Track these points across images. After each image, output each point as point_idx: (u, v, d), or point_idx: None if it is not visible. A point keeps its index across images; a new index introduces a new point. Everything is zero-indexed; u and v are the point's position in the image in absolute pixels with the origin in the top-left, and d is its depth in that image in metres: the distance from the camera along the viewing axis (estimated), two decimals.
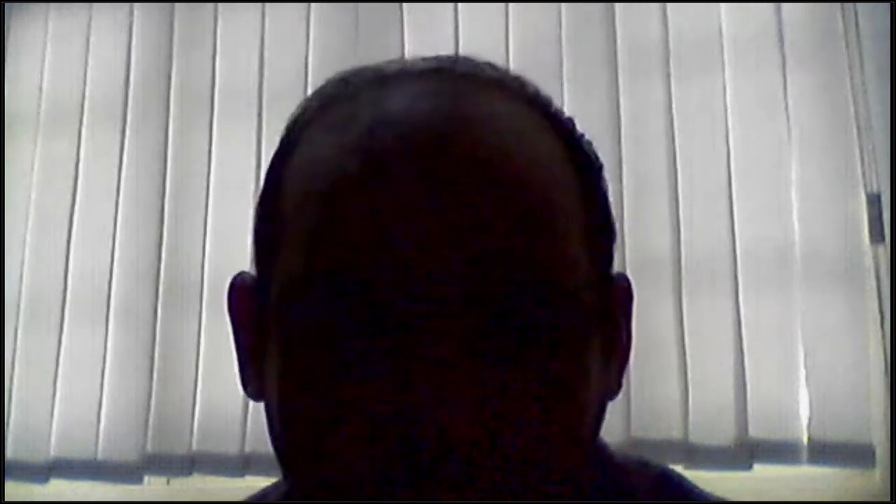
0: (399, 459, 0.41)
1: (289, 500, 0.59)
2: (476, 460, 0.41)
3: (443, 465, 0.40)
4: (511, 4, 1.67)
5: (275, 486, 0.63)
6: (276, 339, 0.46)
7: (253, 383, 0.51)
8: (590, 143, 0.51)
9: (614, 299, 0.51)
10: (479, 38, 1.66)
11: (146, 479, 1.70)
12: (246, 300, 0.52)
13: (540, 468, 0.43)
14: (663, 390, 1.47)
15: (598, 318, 0.46)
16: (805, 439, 1.41)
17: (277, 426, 0.46)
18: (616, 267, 0.53)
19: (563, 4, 1.64)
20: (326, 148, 0.46)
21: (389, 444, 0.41)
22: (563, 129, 0.50)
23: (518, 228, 0.43)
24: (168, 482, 1.71)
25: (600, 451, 0.57)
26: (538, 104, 0.50)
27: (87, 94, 1.88)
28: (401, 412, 0.41)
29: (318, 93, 0.52)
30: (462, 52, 1.69)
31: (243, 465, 1.62)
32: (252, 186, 1.73)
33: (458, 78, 0.49)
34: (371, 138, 0.44)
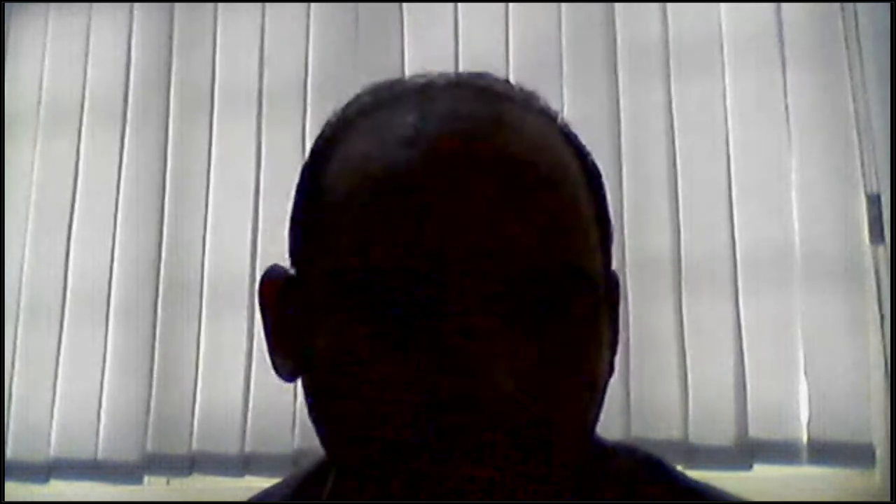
0: (440, 419, 0.45)
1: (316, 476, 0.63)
2: (510, 415, 0.45)
3: (477, 423, 0.45)
4: (511, 4, 1.67)
5: (305, 468, 0.66)
6: (326, 320, 0.50)
7: (287, 364, 0.56)
8: (590, 154, 0.56)
9: (612, 293, 0.57)
10: (479, 38, 1.66)
11: (146, 479, 1.70)
12: (280, 289, 0.56)
13: (563, 427, 0.48)
14: (663, 390, 1.47)
15: (606, 304, 0.53)
16: (805, 439, 1.41)
17: (323, 399, 0.51)
18: (616, 267, 0.57)
19: (563, 4, 1.64)
20: (374, 147, 0.51)
21: (432, 409, 0.45)
22: (571, 140, 0.55)
23: (550, 222, 0.48)
24: (168, 482, 1.71)
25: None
26: (550, 117, 0.56)
27: (87, 93, 1.88)
28: (443, 380, 0.45)
29: (354, 102, 0.56)
30: (462, 52, 1.71)
31: (243, 465, 1.62)
32: (252, 186, 1.73)
33: (481, 90, 0.54)
34: (420, 138, 0.49)
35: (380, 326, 0.47)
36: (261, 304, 0.58)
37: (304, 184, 0.55)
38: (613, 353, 0.56)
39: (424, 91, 0.53)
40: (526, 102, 0.55)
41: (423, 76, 0.56)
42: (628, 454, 0.61)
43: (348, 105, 0.56)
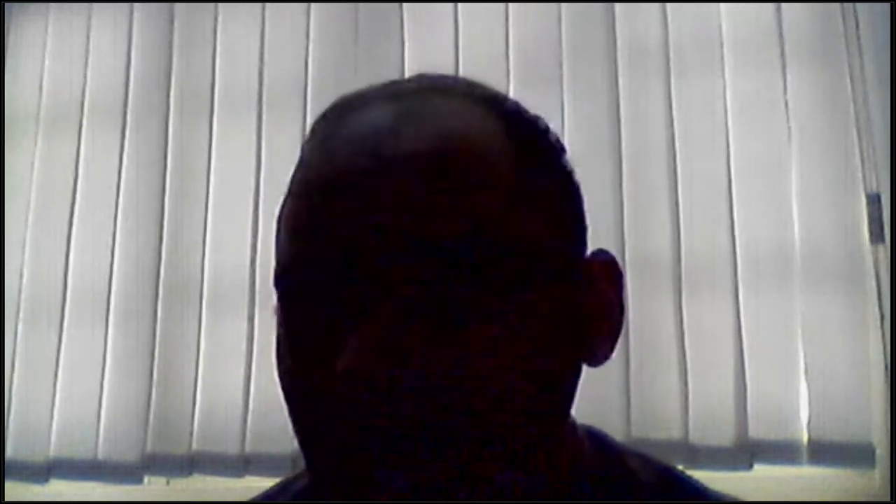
0: (336, 420, 0.47)
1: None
2: (399, 406, 0.46)
3: (364, 412, 0.46)
4: (511, 4, 1.67)
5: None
6: (278, 321, 0.54)
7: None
8: (544, 135, 0.56)
9: (595, 272, 0.56)
10: (479, 38, 1.66)
11: (146, 479, 1.70)
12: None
13: (473, 408, 0.47)
14: (663, 390, 1.47)
15: (543, 281, 0.50)
16: (805, 439, 1.41)
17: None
18: (622, 282, 0.55)
19: (563, 4, 1.64)
20: (306, 164, 0.54)
21: (328, 409, 0.48)
22: (513, 124, 0.54)
23: (452, 201, 0.48)
24: (168, 482, 1.71)
25: (600, 438, 0.60)
26: (482, 100, 0.55)
27: (87, 94, 1.88)
28: (330, 377, 0.47)
29: (321, 116, 0.59)
30: (462, 52, 1.70)
31: (243, 465, 1.62)
32: (252, 186, 1.73)
33: (400, 95, 0.55)
34: (332, 157, 0.52)
35: (297, 324, 0.50)
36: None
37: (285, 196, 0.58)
38: (610, 335, 0.55)
39: (354, 108, 0.55)
40: (460, 93, 0.55)
41: (375, 87, 0.57)
42: (642, 462, 0.60)
43: (319, 117, 0.59)
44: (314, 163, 0.53)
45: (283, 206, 0.54)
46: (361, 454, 0.46)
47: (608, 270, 0.57)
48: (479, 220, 0.48)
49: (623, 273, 0.57)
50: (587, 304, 0.54)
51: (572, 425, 0.59)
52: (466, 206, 0.48)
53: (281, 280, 0.52)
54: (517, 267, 0.49)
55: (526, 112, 0.57)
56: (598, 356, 0.55)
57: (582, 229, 0.56)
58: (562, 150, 0.57)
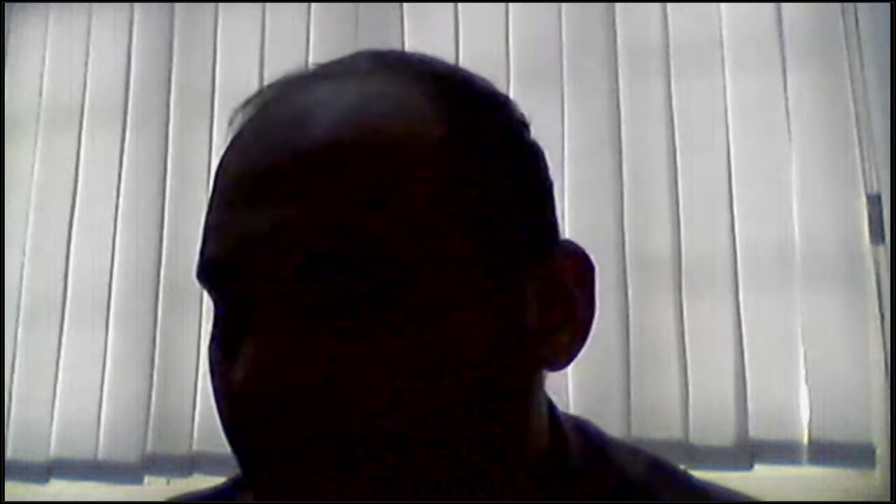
0: (242, 426, 0.46)
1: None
2: (298, 414, 0.44)
3: (266, 419, 0.44)
4: (511, 4, 1.67)
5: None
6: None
7: None
8: (482, 111, 0.51)
9: (557, 269, 0.51)
10: (479, 38, 1.66)
11: (146, 479, 1.70)
12: None
13: (383, 414, 0.44)
14: (663, 390, 1.47)
15: (470, 286, 0.46)
16: (805, 439, 1.41)
17: None
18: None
19: (563, 4, 1.64)
20: (223, 155, 0.52)
21: (233, 415, 0.46)
22: (448, 99, 0.50)
23: (349, 208, 0.45)
24: (168, 482, 1.71)
25: (586, 430, 0.57)
26: (426, 77, 0.51)
27: (87, 94, 1.88)
28: (230, 385, 0.45)
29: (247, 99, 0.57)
30: (462, 52, 1.70)
31: None
32: None
33: (326, 76, 0.52)
34: (240, 146, 0.50)
35: (214, 331, 0.50)
36: None
37: None
38: (574, 336, 0.51)
39: (276, 91, 0.54)
40: (381, 76, 0.51)
41: (302, 70, 0.55)
42: (630, 454, 0.59)
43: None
44: (225, 155, 0.51)
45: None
46: (269, 462, 0.45)
47: (575, 265, 0.52)
48: (382, 226, 0.44)
49: (594, 266, 0.52)
50: (545, 306, 0.50)
51: (557, 419, 0.56)
52: (366, 210, 0.45)
53: (198, 275, 0.52)
54: (429, 284, 0.45)
55: (479, 88, 0.52)
56: (561, 360, 0.51)
57: (545, 219, 0.52)
58: (525, 127, 0.53)
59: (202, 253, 0.50)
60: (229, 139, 0.53)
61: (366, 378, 0.44)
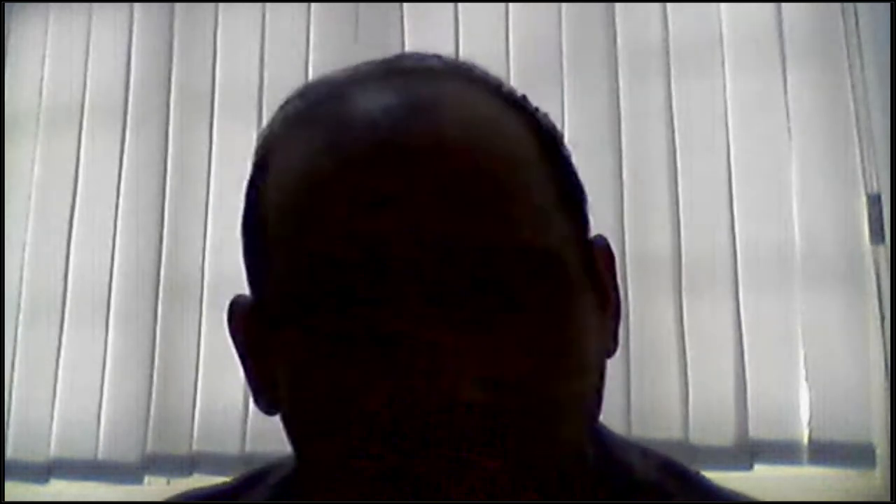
0: (405, 431, 0.43)
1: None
2: (483, 421, 0.43)
3: (450, 429, 0.42)
4: (511, 4, 1.67)
5: (272, 468, 0.63)
6: (283, 345, 0.48)
7: (265, 397, 0.53)
8: (546, 116, 0.53)
9: (598, 259, 0.53)
10: (479, 38, 1.66)
11: (146, 479, 1.70)
12: (246, 320, 0.54)
13: (546, 423, 0.45)
14: (663, 390, 1.47)
15: (585, 275, 0.49)
16: (805, 439, 1.41)
17: (291, 429, 0.49)
18: (616, 267, 0.55)
19: (563, 4, 1.64)
20: (297, 160, 0.49)
21: (396, 418, 0.43)
22: (518, 106, 0.52)
23: (484, 201, 0.45)
24: (168, 482, 1.71)
25: (598, 430, 0.57)
26: (490, 86, 0.52)
27: (87, 94, 1.88)
28: (403, 388, 0.43)
29: (281, 109, 0.55)
30: (462, 52, 1.71)
31: (243, 465, 1.61)
32: None
33: (408, 72, 0.51)
34: (336, 142, 0.47)
35: (326, 337, 0.45)
36: (232, 338, 0.56)
37: (246, 203, 0.54)
38: (615, 326, 0.54)
39: (343, 90, 0.51)
40: (460, 77, 0.52)
41: (350, 69, 0.53)
42: (641, 454, 0.58)
43: (278, 112, 0.55)
44: (314, 155, 0.47)
45: (275, 199, 0.50)
46: (425, 473, 0.43)
47: (605, 256, 0.55)
48: (537, 228, 0.46)
49: (613, 256, 0.56)
50: (598, 294, 0.52)
51: None
52: (525, 209, 0.46)
53: (310, 281, 0.46)
54: (568, 269, 0.47)
55: (526, 98, 0.54)
56: (614, 349, 0.54)
57: (588, 219, 0.54)
58: (560, 137, 0.55)
59: (302, 248, 0.46)
60: (280, 134, 0.52)
61: (519, 377, 0.44)
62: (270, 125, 0.54)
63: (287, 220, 0.48)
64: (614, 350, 0.54)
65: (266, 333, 0.49)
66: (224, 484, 0.66)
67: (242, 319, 0.55)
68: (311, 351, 0.46)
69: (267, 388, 0.52)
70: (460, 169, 0.45)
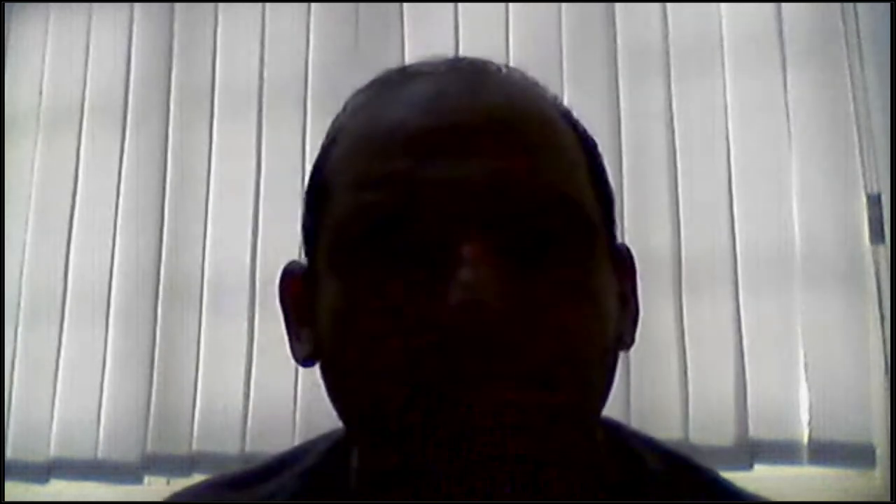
0: (441, 352, 0.46)
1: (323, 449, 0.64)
2: (510, 339, 0.46)
3: (480, 346, 0.45)
4: (511, 4, 1.67)
5: (324, 437, 0.65)
6: (328, 283, 0.52)
7: (304, 349, 0.56)
8: (586, 130, 0.59)
9: (623, 265, 0.58)
10: (479, 38, 1.66)
11: (146, 479, 1.70)
12: (296, 282, 0.58)
13: (567, 352, 0.48)
14: (663, 390, 1.47)
15: (605, 242, 0.54)
16: (805, 439, 1.41)
17: (330, 361, 0.52)
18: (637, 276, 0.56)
19: (563, 4, 1.64)
20: (369, 119, 0.54)
21: (432, 339, 0.46)
22: (565, 112, 0.58)
23: (544, 160, 0.51)
24: (168, 482, 1.71)
25: (609, 422, 0.60)
26: (540, 87, 0.59)
27: (87, 94, 1.88)
28: (439, 309, 0.46)
29: (359, 90, 0.59)
30: (462, 52, 1.70)
31: (243, 464, 1.61)
32: (252, 186, 1.73)
33: (472, 65, 0.57)
34: (395, 108, 0.53)
35: (376, 269, 0.48)
36: (280, 299, 0.60)
37: (312, 173, 0.57)
38: (633, 323, 0.57)
39: (418, 74, 0.56)
40: (520, 76, 0.58)
41: (423, 62, 0.58)
42: (652, 448, 0.61)
43: (352, 96, 0.59)
44: (393, 114, 0.52)
45: (338, 155, 0.54)
46: (456, 390, 0.46)
47: (627, 261, 0.59)
48: (571, 183, 0.51)
49: (636, 265, 0.60)
50: (619, 288, 0.55)
51: None
52: (561, 167, 0.51)
53: (359, 223, 0.50)
54: (591, 241, 0.51)
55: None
56: (630, 342, 0.57)
57: (614, 220, 0.59)
58: (596, 144, 0.59)
59: (385, 197, 0.50)
60: (347, 112, 0.57)
61: (557, 316, 0.48)
62: (348, 101, 0.59)
63: (345, 166, 0.53)
64: (631, 343, 0.57)
65: (313, 290, 0.53)
66: (278, 455, 0.68)
67: (292, 282, 0.59)
68: (355, 285, 0.49)
69: (304, 341, 0.56)
70: (517, 130, 0.51)
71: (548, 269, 0.48)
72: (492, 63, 0.58)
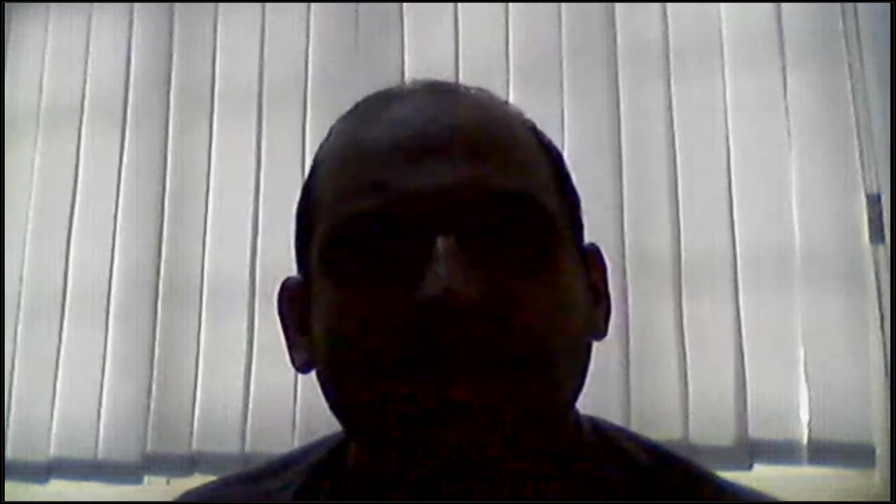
0: (418, 339, 0.50)
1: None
2: (482, 324, 0.50)
3: (455, 333, 0.49)
4: (511, 4, 1.67)
5: (327, 438, 0.68)
6: (318, 299, 0.55)
7: (301, 357, 0.60)
8: (551, 141, 0.62)
9: (593, 261, 0.62)
10: (479, 38, 1.66)
11: (146, 479, 1.70)
12: (293, 294, 0.61)
13: (537, 339, 0.51)
14: (663, 390, 1.47)
15: (572, 238, 0.58)
16: (805, 439, 1.41)
17: (324, 361, 0.55)
18: (616, 267, 0.58)
19: (563, 4, 1.64)
20: (351, 137, 0.58)
21: (410, 330, 0.50)
22: (529, 125, 0.61)
23: (502, 162, 0.55)
24: (168, 482, 1.71)
25: (593, 418, 0.64)
26: (507, 105, 0.63)
27: (87, 94, 1.88)
28: (417, 300, 0.50)
29: (341, 117, 0.63)
30: (462, 52, 1.71)
31: (243, 465, 1.61)
32: (252, 186, 1.73)
33: (444, 86, 0.62)
34: (387, 122, 0.57)
35: (361, 271, 0.53)
36: (279, 311, 0.63)
37: (301, 197, 0.61)
38: (606, 316, 0.61)
39: (390, 97, 0.60)
40: (488, 96, 0.62)
41: (399, 84, 0.63)
42: (632, 440, 0.65)
43: (332, 127, 0.63)
44: (374, 133, 0.57)
45: (325, 173, 0.58)
46: (433, 375, 0.49)
47: (596, 259, 0.63)
48: (532, 185, 0.55)
49: (608, 266, 0.63)
50: (589, 283, 0.59)
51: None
52: (523, 172, 0.55)
53: (345, 229, 0.54)
54: (557, 224, 0.55)
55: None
56: (601, 331, 0.60)
57: (581, 224, 0.62)
58: (561, 156, 0.62)
59: (364, 205, 0.54)
60: (332, 134, 0.61)
61: (524, 304, 0.51)
62: (324, 140, 0.62)
63: (331, 181, 0.57)
64: (604, 332, 0.60)
65: (307, 299, 0.57)
66: (282, 455, 0.71)
67: (289, 295, 0.62)
68: (343, 287, 0.53)
69: (302, 348, 0.59)
70: (478, 138, 0.55)
71: (516, 260, 0.52)
72: (462, 85, 0.63)
